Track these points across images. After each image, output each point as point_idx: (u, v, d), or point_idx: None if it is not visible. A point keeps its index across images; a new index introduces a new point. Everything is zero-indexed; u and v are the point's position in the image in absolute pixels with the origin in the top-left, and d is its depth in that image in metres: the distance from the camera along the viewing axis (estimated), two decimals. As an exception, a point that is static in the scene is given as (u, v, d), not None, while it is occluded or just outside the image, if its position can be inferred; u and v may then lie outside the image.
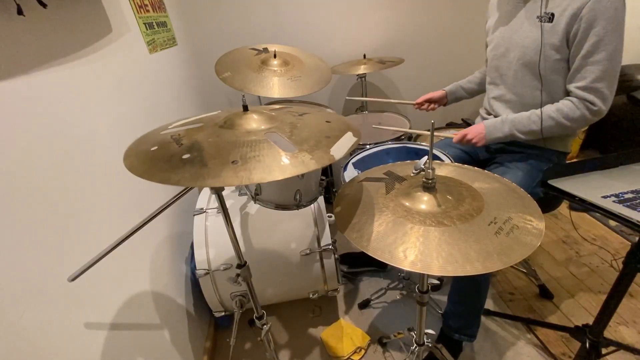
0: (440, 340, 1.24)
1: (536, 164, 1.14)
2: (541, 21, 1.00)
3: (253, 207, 1.24)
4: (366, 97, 2.08)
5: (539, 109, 1.05)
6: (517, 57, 1.09)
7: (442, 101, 1.46)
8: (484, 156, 1.32)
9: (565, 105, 1.01)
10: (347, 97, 1.08)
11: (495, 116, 1.21)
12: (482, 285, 1.13)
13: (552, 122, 1.02)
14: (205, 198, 1.31)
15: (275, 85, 1.25)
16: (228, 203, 1.24)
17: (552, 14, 0.98)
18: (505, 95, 1.17)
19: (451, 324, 1.21)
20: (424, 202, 0.69)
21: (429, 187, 0.71)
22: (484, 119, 1.30)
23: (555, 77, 1.04)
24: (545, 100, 1.08)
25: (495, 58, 1.19)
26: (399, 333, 1.26)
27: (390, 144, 1.37)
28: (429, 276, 0.83)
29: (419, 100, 1.45)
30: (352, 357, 1.29)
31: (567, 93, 1.04)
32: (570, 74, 1.01)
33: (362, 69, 1.76)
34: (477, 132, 1.13)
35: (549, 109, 1.03)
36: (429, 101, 1.44)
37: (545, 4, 0.99)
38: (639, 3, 2.23)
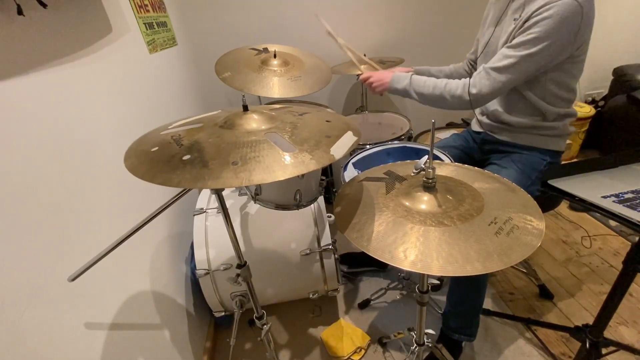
0: (440, 341, 1.24)
1: (530, 163, 1.14)
2: (515, 20, 1.03)
3: (253, 207, 1.24)
4: (364, 97, 2.08)
5: (440, 79, 1.10)
6: (493, 51, 1.11)
7: None
8: (479, 157, 1.33)
9: (452, 82, 1.06)
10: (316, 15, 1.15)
11: (489, 114, 1.23)
12: (481, 285, 1.14)
13: (437, 92, 1.08)
14: (205, 198, 1.31)
15: (275, 85, 1.25)
16: (228, 203, 1.24)
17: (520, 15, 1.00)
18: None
19: (451, 324, 1.21)
20: (424, 202, 0.69)
21: (429, 187, 0.71)
22: (479, 121, 1.31)
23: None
24: (528, 98, 1.09)
25: (483, 54, 1.20)
26: (399, 333, 1.26)
27: (390, 144, 1.37)
28: (429, 276, 0.83)
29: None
30: (352, 357, 1.29)
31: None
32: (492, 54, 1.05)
33: (362, 69, 1.76)
34: (381, 77, 1.18)
35: (441, 81, 1.08)
36: None
37: (524, 5, 1.00)
38: (638, 4, 2.24)
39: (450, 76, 1.42)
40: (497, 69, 0.99)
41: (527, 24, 0.95)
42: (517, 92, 1.10)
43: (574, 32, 0.92)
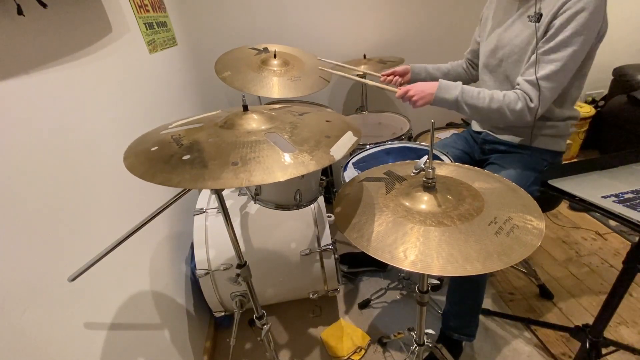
0: (440, 341, 1.24)
1: (530, 164, 1.14)
2: (531, 21, 1.01)
3: (253, 207, 1.23)
4: (364, 97, 2.08)
5: (491, 90, 1.04)
6: (506, 55, 1.10)
7: (404, 75, 1.39)
8: (479, 157, 1.32)
9: (511, 94, 1.00)
10: (320, 59, 1.09)
11: None
12: (481, 285, 1.14)
13: (495, 106, 1.00)
14: (205, 198, 1.31)
15: (275, 85, 1.25)
16: (228, 203, 1.24)
17: (541, 14, 0.98)
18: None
19: (450, 324, 1.21)
20: (424, 202, 0.69)
21: (429, 187, 0.71)
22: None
23: None
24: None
25: (485, 55, 1.19)
26: (399, 333, 1.26)
27: (390, 144, 1.37)
28: (429, 276, 0.83)
29: (386, 72, 1.40)
30: (352, 357, 1.29)
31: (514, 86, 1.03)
32: (526, 67, 1.01)
33: (362, 69, 1.76)
34: (422, 89, 1.07)
35: (498, 93, 1.01)
36: (393, 74, 1.39)
37: (537, 3, 0.99)
38: (639, 4, 2.24)
39: (447, 74, 1.41)
40: (546, 77, 0.95)
41: (557, 21, 0.92)
42: None
43: (600, 23, 0.92)
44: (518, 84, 1.00)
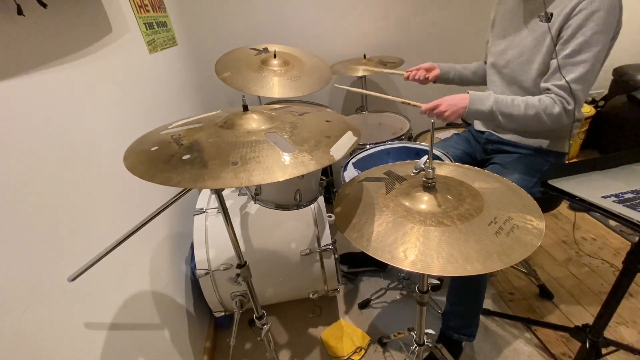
0: (440, 341, 1.24)
1: (533, 165, 1.14)
2: (541, 20, 1.00)
3: (253, 207, 1.23)
4: (364, 97, 2.08)
5: (521, 97, 1.01)
6: (515, 55, 1.09)
7: (431, 70, 1.34)
8: (481, 156, 1.32)
9: (547, 99, 0.98)
10: (335, 85, 1.06)
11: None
12: (481, 285, 1.14)
13: (532, 112, 0.98)
14: (205, 198, 1.31)
15: (275, 85, 1.25)
16: (228, 203, 1.24)
17: (552, 14, 0.97)
18: (504, 93, 1.17)
19: (450, 324, 1.21)
20: (424, 202, 0.69)
21: (429, 186, 0.71)
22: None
23: None
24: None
25: (494, 54, 1.19)
26: (399, 333, 1.26)
27: (390, 144, 1.37)
28: (429, 276, 0.83)
29: (411, 69, 1.35)
30: (352, 357, 1.29)
31: (541, 92, 1.02)
32: (551, 71, 0.99)
33: (362, 69, 1.76)
34: (453, 103, 1.02)
35: (533, 99, 0.99)
36: (419, 69, 1.34)
37: (546, 3, 0.99)
38: (639, 4, 2.24)
39: (476, 74, 1.38)
40: (577, 80, 0.94)
41: (574, 22, 0.91)
42: (528, 92, 1.08)
43: (617, 20, 0.91)
44: (548, 89, 0.98)
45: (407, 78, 1.35)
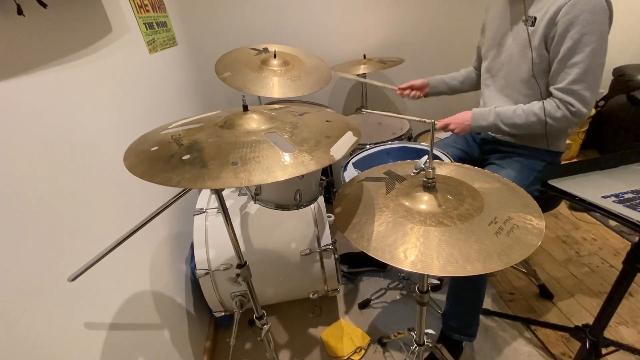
0: (440, 341, 1.24)
1: (529, 164, 1.14)
2: (525, 25, 1.02)
3: (253, 207, 1.23)
4: (364, 97, 2.08)
5: (525, 105, 1.06)
6: (507, 59, 1.12)
7: (423, 89, 1.44)
8: (479, 156, 1.33)
9: (549, 104, 1.02)
10: (364, 110, 1.10)
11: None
12: (481, 285, 1.14)
13: (534, 119, 1.03)
14: (205, 198, 1.31)
15: (275, 85, 1.25)
16: (228, 203, 1.24)
17: (535, 18, 0.99)
18: (497, 97, 1.18)
19: (451, 324, 1.21)
20: (424, 202, 0.69)
21: (429, 186, 0.71)
22: None
23: (541, 79, 1.05)
24: (534, 101, 1.08)
25: (487, 59, 1.21)
26: (399, 333, 1.26)
27: (390, 144, 1.37)
28: (429, 276, 0.83)
29: (403, 85, 1.44)
30: (352, 357, 1.29)
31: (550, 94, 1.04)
32: (550, 76, 1.02)
33: (362, 69, 1.76)
34: (460, 121, 1.14)
35: (534, 106, 1.04)
36: (411, 88, 1.43)
37: (527, 7, 1.01)
38: (639, 4, 2.24)
39: (463, 82, 1.43)
40: (574, 82, 0.96)
41: (559, 27, 0.93)
42: (536, 97, 1.09)
43: (607, 15, 0.91)
44: (552, 93, 1.02)
45: (402, 95, 1.45)
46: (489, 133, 1.26)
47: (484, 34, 1.24)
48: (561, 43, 0.95)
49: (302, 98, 1.95)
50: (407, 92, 1.43)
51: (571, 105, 0.98)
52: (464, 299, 1.16)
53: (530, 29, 1.01)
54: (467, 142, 1.36)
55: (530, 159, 1.15)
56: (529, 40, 1.01)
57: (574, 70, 0.95)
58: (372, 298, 1.51)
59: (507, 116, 1.07)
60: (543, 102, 1.03)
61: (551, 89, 1.02)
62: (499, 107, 1.11)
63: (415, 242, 0.60)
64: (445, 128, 1.16)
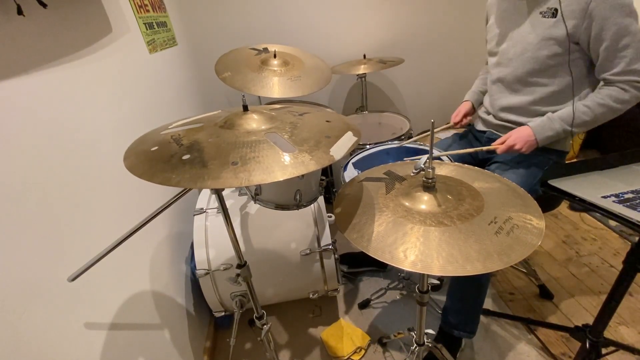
0: (439, 336, 1.24)
1: (535, 163, 1.14)
2: (544, 17, 1.01)
3: (253, 207, 1.23)
4: (364, 97, 2.08)
5: (578, 102, 1.04)
6: (519, 53, 1.10)
7: (471, 111, 1.41)
8: (483, 156, 1.32)
9: (612, 90, 1.00)
10: (405, 144, 1.07)
11: (498, 117, 1.21)
12: (483, 283, 1.13)
13: (603, 109, 1.00)
14: (205, 198, 1.31)
15: (275, 85, 1.25)
16: (228, 203, 1.24)
17: (555, 9, 0.98)
18: (508, 92, 1.17)
19: (451, 320, 1.20)
20: (424, 202, 0.69)
21: (429, 186, 0.71)
22: (484, 119, 1.30)
23: (559, 71, 1.04)
24: (549, 95, 1.08)
25: (497, 55, 1.19)
26: (399, 333, 1.26)
27: (390, 144, 1.37)
28: (429, 276, 0.83)
29: (457, 119, 1.40)
30: (352, 357, 1.29)
31: (596, 82, 1.03)
32: (599, 65, 1.00)
33: (362, 69, 1.76)
34: (523, 139, 1.08)
35: (595, 98, 1.01)
36: (464, 115, 1.39)
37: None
38: (638, 5, 2.24)
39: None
40: (633, 61, 0.95)
41: (596, 16, 0.93)
42: (533, 88, 1.09)
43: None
44: (609, 80, 1.00)
45: (460, 126, 1.41)
46: (493, 131, 1.25)
47: (491, 30, 1.22)
48: (602, 31, 0.94)
49: (302, 98, 1.95)
50: (463, 121, 1.39)
51: (637, 82, 0.97)
52: (465, 297, 1.16)
53: (552, 20, 0.99)
54: (469, 142, 1.36)
55: (536, 158, 1.14)
56: (550, 31, 1.00)
57: (628, 51, 0.94)
58: (372, 298, 1.51)
59: (574, 116, 1.03)
60: (602, 92, 1.01)
61: (607, 76, 0.99)
62: (550, 114, 1.07)
63: (415, 242, 0.60)
64: (510, 148, 1.10)
